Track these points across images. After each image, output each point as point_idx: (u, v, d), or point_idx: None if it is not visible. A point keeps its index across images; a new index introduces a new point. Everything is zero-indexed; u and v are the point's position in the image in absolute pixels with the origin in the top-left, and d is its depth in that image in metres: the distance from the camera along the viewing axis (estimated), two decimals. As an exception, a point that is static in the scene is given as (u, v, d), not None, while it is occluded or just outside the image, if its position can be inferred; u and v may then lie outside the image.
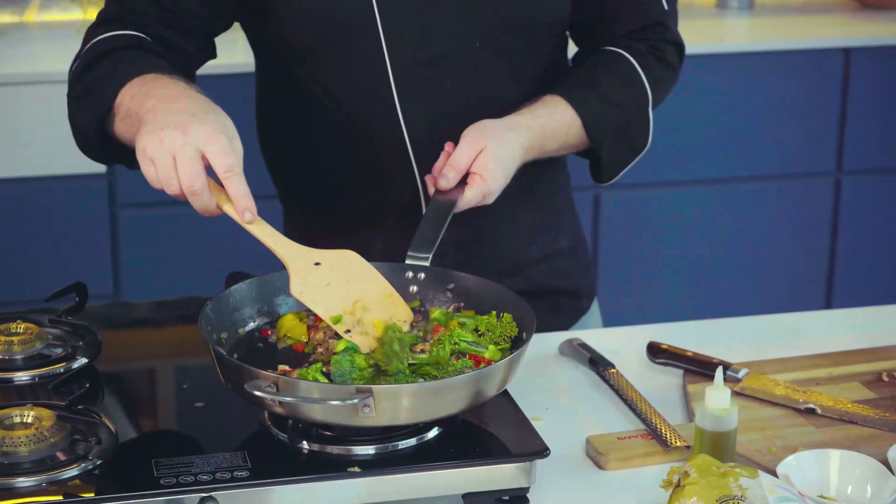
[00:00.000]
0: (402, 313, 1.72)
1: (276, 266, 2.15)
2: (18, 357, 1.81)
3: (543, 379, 1.94)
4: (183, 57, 1.93)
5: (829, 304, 3.94)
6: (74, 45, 3.47)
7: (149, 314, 2.05)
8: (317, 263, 1.72)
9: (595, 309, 2.28)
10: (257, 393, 1.53)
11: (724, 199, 3.82)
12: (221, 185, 1.68)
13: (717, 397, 1.64)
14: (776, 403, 1.85)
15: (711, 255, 3.85)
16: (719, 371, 1.66)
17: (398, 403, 1.54)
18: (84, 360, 1.80)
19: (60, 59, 3.42)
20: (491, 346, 1.69)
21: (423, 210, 2.00)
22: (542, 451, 1.60)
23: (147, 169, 1.67)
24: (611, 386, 1.90)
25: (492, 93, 2.00)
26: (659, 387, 1.93)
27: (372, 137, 1.99)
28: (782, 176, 3.84)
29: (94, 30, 1.92)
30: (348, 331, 1.67)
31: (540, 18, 1.99)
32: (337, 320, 1.68)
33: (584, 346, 2.00)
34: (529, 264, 2.13)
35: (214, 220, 3.39)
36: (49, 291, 1.88)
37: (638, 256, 3.79)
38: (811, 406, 1.82)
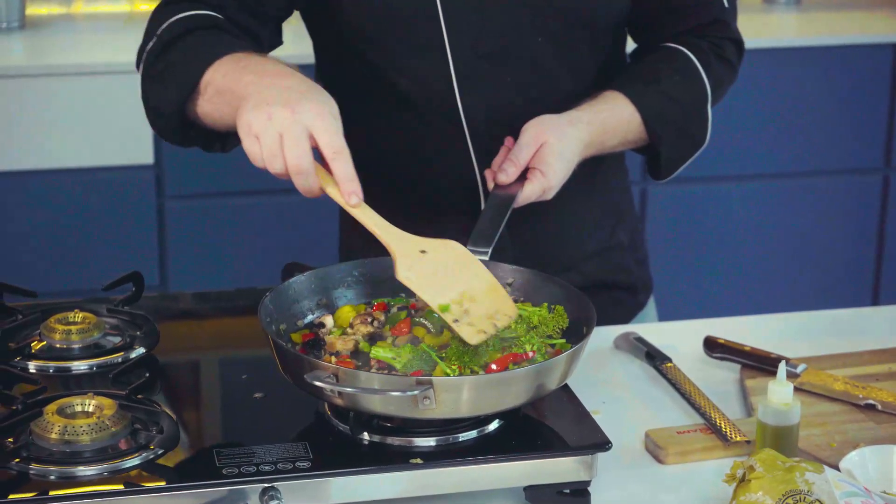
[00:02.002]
0: (507, 308, 1.69)
1: (325, 258, 2.15)
2: (76, 346, 1.81)
3: (600, 373, 1.93)
4: (256, 41, 1.91)
5: (875, 301, 3.91)
6: (121, 37, 3.53)
7: (204, 304, 2.05)
8: (422, 251, 1.69)
9: (651, 304, 2.27)
10: (318, 383, 1.53)
11: (771, 194, 3.80)
12: (324, 167, 1.65)
13: (780, 392, 1.63)
14: (835, 399, 1.84)
15: (757, 250, 3.83)
16: (782, 365, 1.65)
17: (459, 395, 1.54)
18: (142, 350, 1.80)
19: (107, 51, 3.44)
20: (536, 341, 1.68)
21: (482, 204, 1.99)
22: (603, 444, 1.59)
23: (251, 146, 1.64)
24: (668, 380, 1.89)
25: (551, 87, 1.99)
26: (715, 381, 1.92)
27: (431, 130, 1.99)
28: (830, 172, 3.82)
29: (164, 9, 1.88)
30: (456, 320, 1.65)
31: (600, 13, 1.98)
32: (444, 309, 1.65)
33: (640, 339, 1.99)
34: (587, 258, 2.12)
35: (262, 212, 3.44)
36: (96, 282, 1.88)
37: (684, 252, 3.77)
38: (871, 402, 1.81)
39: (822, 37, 3.72)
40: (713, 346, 1.97)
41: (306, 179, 1.64)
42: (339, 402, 1.56)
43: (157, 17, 1.89)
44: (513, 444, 1.60)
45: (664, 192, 3.69)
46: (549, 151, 1.87)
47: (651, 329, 2.09)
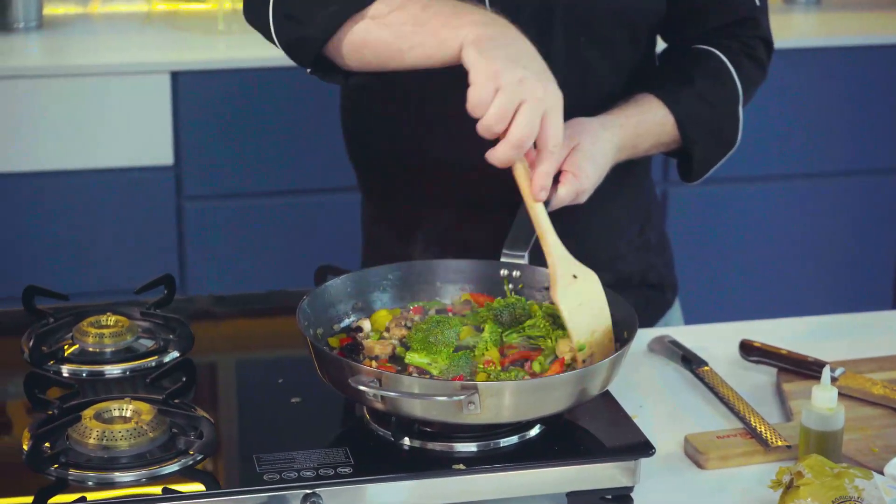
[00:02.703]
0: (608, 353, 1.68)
1: (347, 258, 2.14)
2: (109, 350, 1.79)
3: (635, 376, 1.92)
4: None
5: (895, 303, 3.90)
6: (140, 37, 3.52)
7: (235, 307, 2.04)
8: (574, 276, 1.68)
9: (677, 304, 2.25)
10: (362, 388, 1.51)
11: (790, 195, 3.78)
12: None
13: (823, 396, 1.62)
14: (874, 403, 1.82)
15: (776, 251, 3.82)
16: (826, 370, 1.63)
17: (503, 400, 1.52)
18: (176, 354, 1.78)
19: (126, 51, 3.42)
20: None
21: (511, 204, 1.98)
22: (647, 449, 1.58)
23: (485, 93, 1.59)
24: (706, 384, 1.87)
25: (593, 87, 1.97)
26: (751, 385, 1.90)
27: (464, 124, 1.97)
28: (850, 172, 3.80)
29: None
30: (584, 361, 1.64)
31: (642, 12, 1.97)
32: (581, 348, 1.65)
33: (675, 343, 1.97)
34: (617, 258, 2.11)
35: (281, 213, 3.42)
36: (114, 283, 1.87)
37: (701, 252, 3.76)
38: (911, 406, 1.80)
39: (842, 37, 3.70)
40: (750, 350, 1.95)
41: (516, 154, 1.62)
42: (379, 406, 1.55)
43: None
44: (555, 449, 1.58)
45: (685, 194, 3.67)
46: (582, 155, 1.86)
47: (681, 332, 2.08)
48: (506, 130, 1.61)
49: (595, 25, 1.94)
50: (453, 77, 1.93)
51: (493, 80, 1.59)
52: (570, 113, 1.89)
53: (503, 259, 1.80)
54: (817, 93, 3.70)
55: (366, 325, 1.73)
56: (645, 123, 1.94)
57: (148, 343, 1.82)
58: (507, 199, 1.98)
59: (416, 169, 2.03)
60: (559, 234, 1.99)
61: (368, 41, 1.72)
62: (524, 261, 1.79)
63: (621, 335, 1.69)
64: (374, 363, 1.64)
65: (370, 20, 1.72)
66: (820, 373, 1.87)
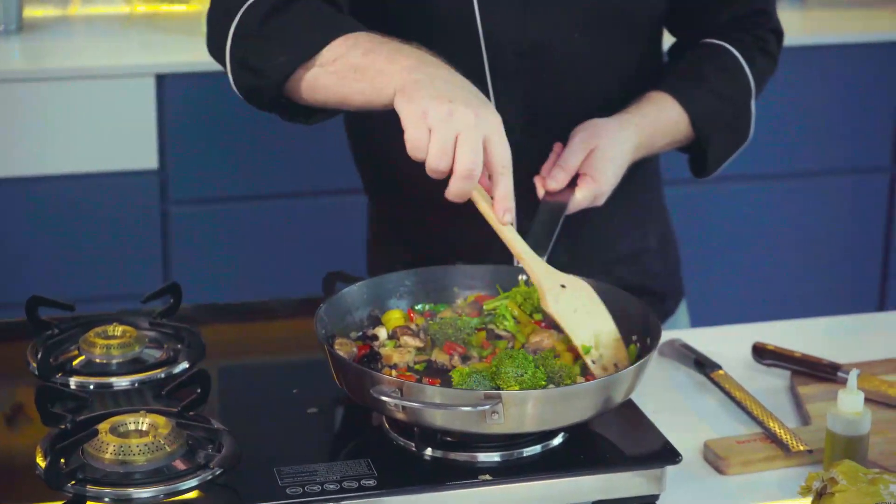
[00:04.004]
0: (623, 357, 1.66)
1: (338, 262, 2.11)
2: (117, 361, 1.76)
3: (648, 382, 1.88)
4: None
5: (882, 303, 3.90)
6: (121, 39, 3.47)
7: (243, 315, 2.00)
8: (562, 286, 1.67)
9: (683, 310, 2.23)
10: (385, 399, 1.48)
11: (776, 194, 3.77)
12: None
13: (850, 400, 1.60)
14: (891, 406, 1.80)
15: (762, 251, 3.80)
16: (853, 373, 1.61)
17: (526, 410, 1.50)
18: (185, 365, 1.75)
19: (107, 53, 3.38)
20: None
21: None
22: (673, 457, 1.56)
23: (419, 134, 1.57)
24: (721, 388, 1.85)
25: (589, 85, 1.95)
26: (765, 388, 1.88)
27: None
28: (836, 171, 3.79)
29: None
30: (594, 362, 1.63)
31: (639, 9, 1.94)
32: (587, 350, 1.63)
33: (686, 347, 1.95)
34: (618, 262, 2.08)
35: (270, 217, 3.38)
36: (98, 289, 1.84)
37: (706, 253, 3.74)
38: (929, 409, 1.78)
39: (826, 35, 3.69)
40: (763, 353, 1.94)
41: (469, 185, 1.59)
42: (401, 416, 1.52)
43: None
44: (581, 458, 1.56)
45: (671, 194, 3.65)
46: (601, 156, 1.84)
47: (690, 335, 2.06)
48: (452, 166, 1.59)
49: (590, 21, 1.92)
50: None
51: (422, 120, 1.57)
52: (565, 110, 1.87)
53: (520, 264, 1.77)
54: (802, 92, 3.68)
55: (382, 332, 1.70)
56: (661, 122, 1.93)
57: (156, 353, 1.79)
58: (517, 201, 1.96)
59: (415, 178, 2.00)
60: (561, 238, 1.98)
61: (318, 87, 1.72)
62: (542, 265, 1.76)
63: (644, 341, 1.67)
64: (393, 372, 1.61)
65: (318, 67, 1.71)
66: (835, 375, 1.87)
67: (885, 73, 3.73)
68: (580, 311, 1.66)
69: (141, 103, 3.26)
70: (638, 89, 1.98)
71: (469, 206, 1.98)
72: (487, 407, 1.47)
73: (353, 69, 1.67)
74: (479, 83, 1.89)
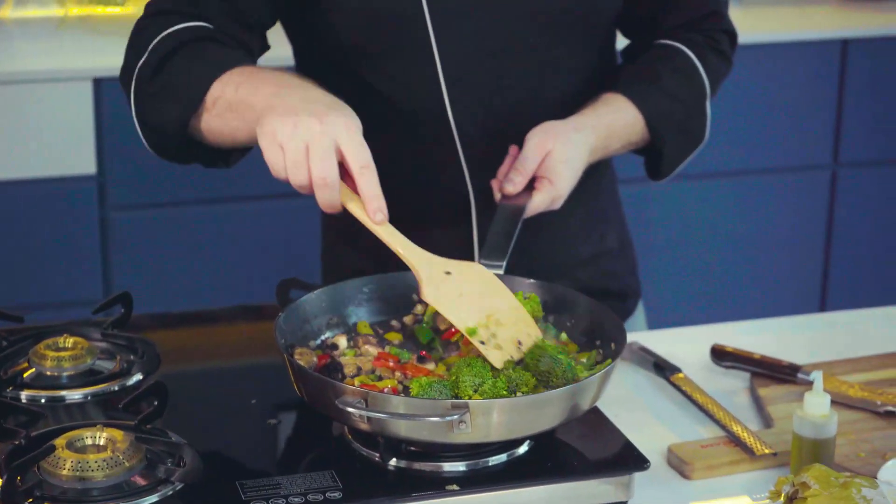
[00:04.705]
0: (531, 329, 1.65)
1: (282, 269, 2.08)
2: (68, 374, 1.72)
3: (608, 386, 1.87)
4: (247, 51, 1.84)
5: (823, 299, 3.91)
6: (56, 42, 3.40)
7: (196, 323, 1.96)
8: (447, 272, 1.64)
9: (640, 310, 2.22)
10: (351, 410, 1.46)
11: (719, 193, 3.77)
12: (347, 181, 1.60)
13: (817, 403, 1.59)
14: (852, 406, 1.80)
15: (707, 250, 3.81)
16: (819, 375, 1.61)
17: (494, 419, 1.47)
18: (139, 376, 1.71)
19: (42, 57, 3.32)
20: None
21: (473, 214, 1.94)
22: (641, 463, 1.54)
23: (274, 155, 1.58)
24: (682, 392, 1.84)
25: (545, 88, 1.93)
26: (724, 390, 1.87)
27: (419, 136, 1.92)
28: (778, 169, 3.80)
29: (150, 22, 1.81)
30: (483, 343, 1.60)
31: (595, 9, 1.93)
32: (472, 332, 1.60)
33: (645, 349, 1.94)
34: (578, 265, 2.07)
35: (212, 222, 3.33)
36: (36, 297, 1.80)
37: (661, 252, 3.74)
38: (891, 409, 1.77)
39: (766, 34, 3.70)
40: (722, 355, 1.92)
41: (331, 193, 1.58)
42: (364, 426, 1.49)
43: (143, 30, 1.81)
44: (548, 466, 1.54)
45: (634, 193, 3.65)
46: (557, 159, 1.82)
47: (647, 337, 2.04)
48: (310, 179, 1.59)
49: (544, 24, 1.90)
50: (407, 89, 1.89)
51: (273, 141, 1.58)
52: (522, 114, 1.86)
53: (480, 270, 1.75)
54: (744, 90, 3.69)
55: (342, 341, 1.67)
56: (616, 124, 1.92)
57: (109, 365, 1.75)
58: (466, 209, 1.94)
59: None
60: (522, 242, 1.96)
61: (210, 130, 1.75)
62: (501, 271, 1.74)
63: (608, 346, 1.65)
64: (356, 381, 1.58)
65: (206, 112, 1.74)
66: (795, 376, 1.86)
67: (825, 71, 3.74)
68: (466, 294, 1.64)
69: (78, 107, 3.20)
70: (595, 91, 1.97)
71: (424, 212, 1.97)
72: (455, 417, 1.45)
73: (228, 108, 1.69)
74: (434, 90, 1.87)
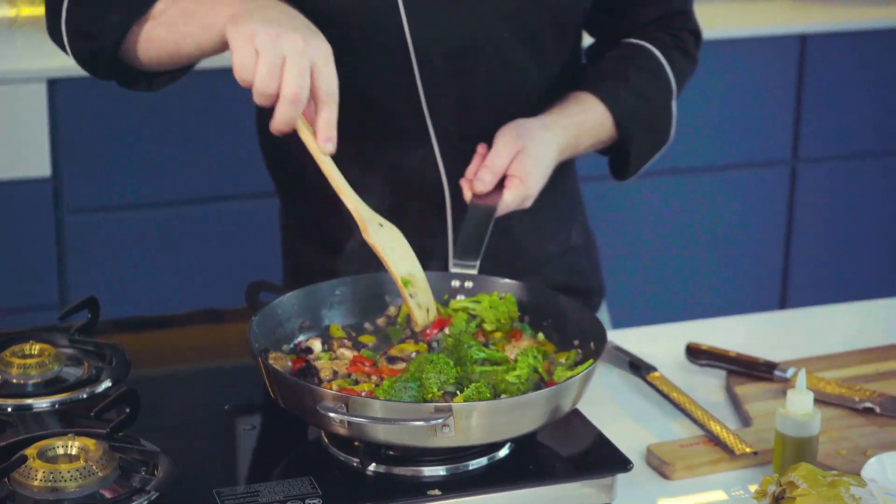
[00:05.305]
0: (431, 303, 1.68)
1: (241, 272, 2.05)
2: (34, 381, 1.68)
3: (583, 386, 1.86)
4: None
5: (784, 294, 3.91)
6: (7, 44, 3.35)
7: (164, 328, 1.92)
8: (380, 225, 1.67)
9: (604, 308, 2.20)
10: (332, 415, 1.42)
11: (678, 189, 3.77)
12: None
13: (800, 401, 1.58)
14: (830, 403, 1.78)
15: (667, 246, 3.80)
16: (802, 373, 1.59)
17: (476, 422, 1.45)
18: (108, 383, 1.68)
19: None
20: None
21: (448, 208, 1.91)
22: (624, 465, 1.52)
23: (247, 57, 1.55)
24: (659, 391, 1.82)
25: (519, 84, 1.91)
26: (699, 389, 1.86)
27: (394, 132, 1.90)
28: (737, 165, 3.80)
29: None
30: (412, 295, 1.63)
31: (568, 6, 1.91)
32: (406, 283, 1.64)
33: (619, 349, 1.92)
34: (547, 262, 2.05)
35: (170, 225, 3.28)
36: None
37: (621, 249, 3.73)
38: (869, 405, 1.76)
39: (724, 29, 3.69)
40: (697, 354, 1.91)
41: (295, 111, 1.56)
42: (343, 431, 1.46)
43: None
44: (530, 469, 1.52)
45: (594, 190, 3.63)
46: (527, 158, 1.80)
47: (620, 335, 2.02)
48: (278, 91, 1.57)
49: (519, 20, 1.88)
50: (383, 87, 1.86)
51: (250, 42, 1.56)
52: (496, 110, 1.84)
53: (453, 269, 1.73)
54: (703, 86, 3.66)
55: (316, 345, 1.64)
56: (585, 122, 1.91)
57: (77, 372, 1.71)
58: (441, 207, 1.92)
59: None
60: (490, 238, 1.94)
61: (151, 39, 1.73)
62: (475, 271, 1.72)
63: (587, 345, 1.63)
64: (333, 385, 1.55)
65: (151, 20, 1.73)
66: (771, 374, 1.85)
67: (783, 66, 3.74)
68: (396, 250, 1.67)
69: (32, 109, 3.15)
70: (566, 88, 1.95)
71: (399, 210, 1.94)
72: (439, 420, 1.42)
73: (182, 14, 1.68)
74: (409, 87, 1.85)
